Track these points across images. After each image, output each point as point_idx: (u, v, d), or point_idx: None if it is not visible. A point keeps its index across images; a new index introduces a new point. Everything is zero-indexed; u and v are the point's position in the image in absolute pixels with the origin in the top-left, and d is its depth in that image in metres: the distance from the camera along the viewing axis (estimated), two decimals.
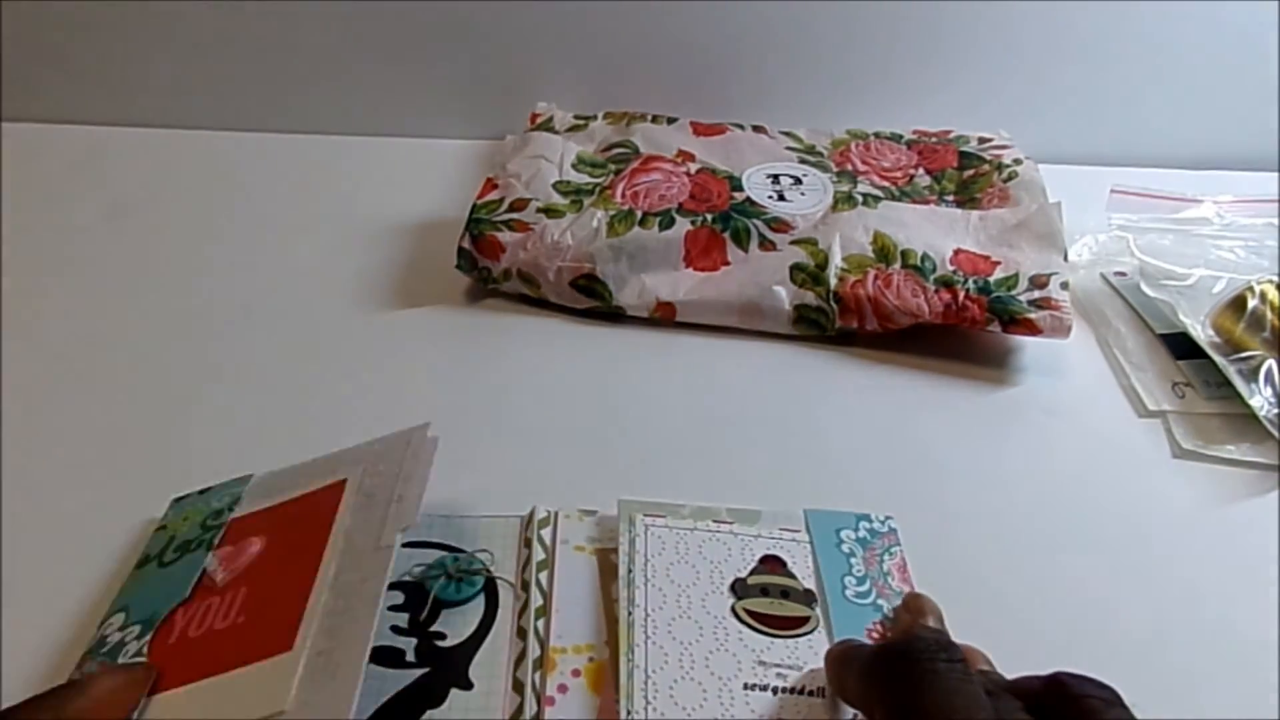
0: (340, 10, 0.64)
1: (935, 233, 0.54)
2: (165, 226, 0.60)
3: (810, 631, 0.36)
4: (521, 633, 0.37)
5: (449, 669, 0.35)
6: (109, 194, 0.63)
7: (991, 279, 0.50)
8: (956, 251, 0.52)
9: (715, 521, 0.40)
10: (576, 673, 0.35)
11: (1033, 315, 0.48)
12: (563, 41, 0.66)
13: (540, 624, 0.37)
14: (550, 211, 0.54)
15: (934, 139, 0.64)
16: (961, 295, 0.50)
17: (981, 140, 0.63)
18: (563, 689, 0.35)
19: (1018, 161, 0.60)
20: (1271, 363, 0.47)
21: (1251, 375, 0.47)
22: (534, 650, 0.36)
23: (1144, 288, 0.53)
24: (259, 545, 0.37)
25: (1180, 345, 0.51)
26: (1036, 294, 0.49)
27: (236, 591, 0.35)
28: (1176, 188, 0.61)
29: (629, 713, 0.33)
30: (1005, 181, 0.58)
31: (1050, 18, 0.64)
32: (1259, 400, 0.47)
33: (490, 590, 0.38)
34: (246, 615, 0.34)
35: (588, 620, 0.37)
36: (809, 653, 0.36)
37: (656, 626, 0.36)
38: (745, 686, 0.34)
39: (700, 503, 0.41)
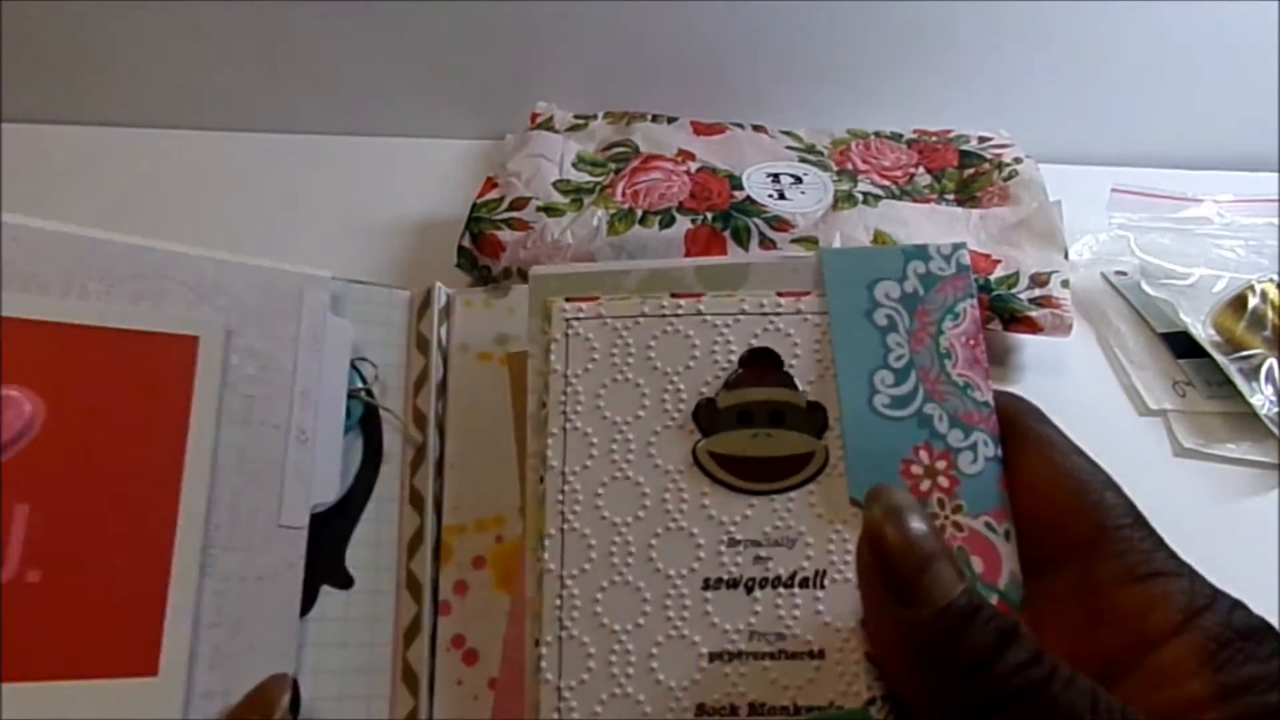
0: (340, 10, 0.64)
1: (935, 231, 0.54)
2: (165, 226, 0.60)
3: (812, 477, 0.25)
4: (417, 499, 0.26)
5: (315, 555, 0.24)
6: (109, 194, 0.63)
7: (992, 277, 0.50)
8: None
9: (675, 296, 0.27)
10: (479, 562, 0.25)
11: (1033, 313, 0.48)
12: (563, 41, 0.66)
13: (436, 484, 0.27)
14: (550, 210, 0.54)
15: (934, 138, 0.64)
16: None
17: (981, 139, 0.63)
18: (460, 589, 0.25)
19: (1018, 160, 0.60)
20: (1272, 361, 0.47)
21: (1252, 374, 0.47)
22: (433, 526, 0.26)
23: (1145, 287, 0.53)
24: (31, 413, 0.21)
25: (1181, 344, 0.51)
26: (1037, 292, 0.49)
27: (10, 506, 0.21)
28: (1176, 188, 0.61)
29: (536, 640, 0.24)
30: (1005, 180, 0.58)
31: (1050, 17, 0.64)
32: (1260, 399, 0.47)
33: (370, 425, 0.26)
34: (44, 572, 0.20)
35: (496, 477, 0.26)
36: (810, 517, 0.24)
37: (579, 498, 0.25)
38: (706, 584, 0.24)
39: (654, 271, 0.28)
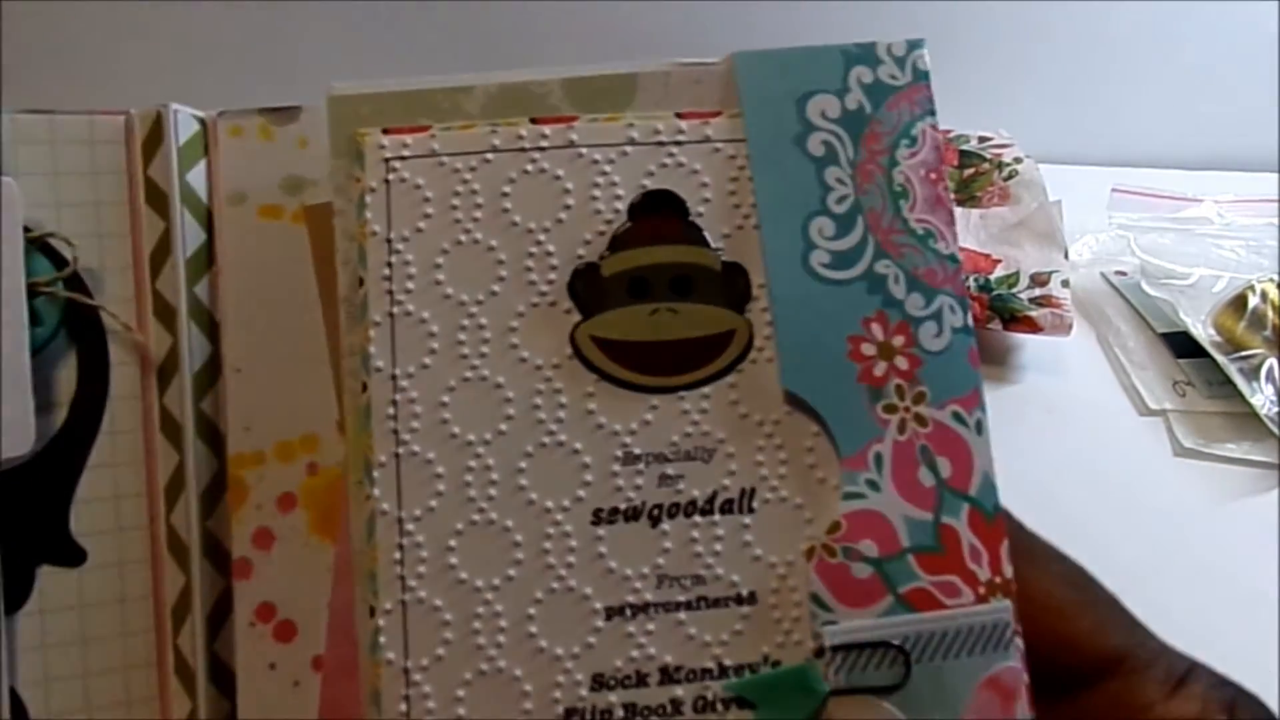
0: (340, 11, 0.64)
1: None
2: None
3: (733, 365, 0.19)
4: (170, 425, 0.19)
5: (21, 528, 0.18)
6: None
7: (992, 277, 0.50)
8: None
9: (537, 122, 0.20)
10: (286, 501, 0.19)
11: (1033, 313, 0.48)
12: (562, 41, 0.66)
13: (207, 402, 0.19)
14: None
15: None
16: None
17: (981, 139, 0.63)
18: (262, 539, 0.19)
19: (1018, 160, 0.59)
20: (1272, 361, 0.47)
21: (1253, 374, 0.47)
22: (199, 463, 0.18)
23: (1145, 287, 0.53)
24: None
25: (1181, 344, 0.51)
26: (1037, 292, 0.49)
27: None
28: (1177, 188, 0.61)
29: (371, 608, 0.18)
30: (1005, 180, 0.58)
31: (1051, 17, 0.64)
32: (1260, 399, 0.46)
33: (86, 332, 0.19)
34: None
35: (303, 383, 0.19)
36: (732, 418, 0.19)
37: (418, 410, 0.18)
38: (596, 518, 0.18)
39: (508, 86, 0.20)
